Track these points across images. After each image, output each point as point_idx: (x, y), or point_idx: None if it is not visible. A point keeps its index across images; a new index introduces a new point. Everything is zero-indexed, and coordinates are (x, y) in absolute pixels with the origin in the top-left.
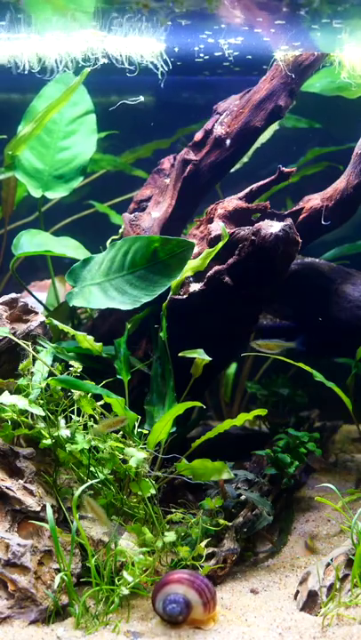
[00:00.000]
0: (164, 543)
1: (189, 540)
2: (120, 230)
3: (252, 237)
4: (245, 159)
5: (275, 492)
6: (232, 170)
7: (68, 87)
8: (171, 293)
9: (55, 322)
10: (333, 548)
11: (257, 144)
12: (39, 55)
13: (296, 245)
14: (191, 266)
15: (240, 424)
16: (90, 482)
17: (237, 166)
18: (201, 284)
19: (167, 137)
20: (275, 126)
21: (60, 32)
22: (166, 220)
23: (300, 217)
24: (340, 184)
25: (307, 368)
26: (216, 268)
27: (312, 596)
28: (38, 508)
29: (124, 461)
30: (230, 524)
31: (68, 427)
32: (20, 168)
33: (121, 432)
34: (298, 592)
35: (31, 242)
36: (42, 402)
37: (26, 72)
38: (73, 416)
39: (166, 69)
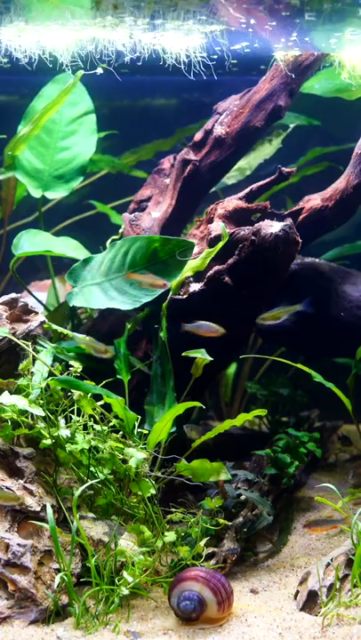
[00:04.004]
0: (164, 543)
1: (189, 540)
2: (120, 230)
3: (252, 237)
4: (248, 172)
5: (275, 492)
6: (233, 182)
7: (64, 88)
8: (171, 293)
9: (54, 326)
10: (333, 548)
11: (260, 160)
12: (45, 52)
13: (296, 245)
14: (191, 266)
15: (240, 424)
16: (90, 482)
17: (240, 178)
18: (201, 283)
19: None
20: (279, 144)
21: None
22: (166, 219)
23: (300, 217)
24: (340, 184)
25: (305, 369)
26: (216, 267)
27: (312, 596)
28: (38, 508)
29: (124, 461)
30: (230, 523)
31: (67, 427)
32: (20, 168)
33: (121, 432)
34: (298, 592)
35: (31, 242)
36: (42, 402)
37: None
38: (73, 416)
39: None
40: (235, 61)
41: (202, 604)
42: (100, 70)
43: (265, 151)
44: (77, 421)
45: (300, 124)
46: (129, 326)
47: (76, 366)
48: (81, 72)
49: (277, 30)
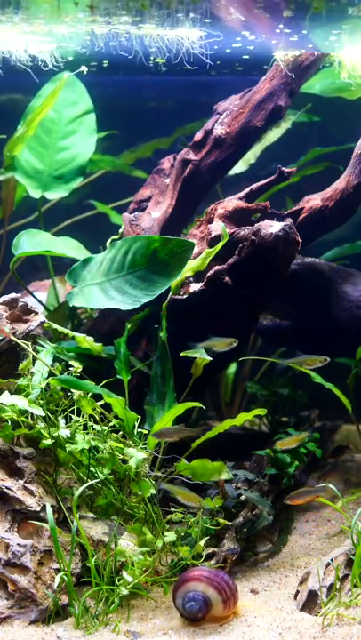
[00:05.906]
0: (164, 543)
1: (189, 540)
2: (120, 230)
3: (252, 237)
4: (253, 160)
5: (275, 492)
6: (237, 172)
7: (55, 87)
8: (171, 293)
9: (54, 325)
10: (333, 548)
11: (263, 144)
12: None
13: (296, 245)
14: (191, 266)
15: (240, 424)
16: (90, 482)
17: (243, 167)
18: (201, 283)
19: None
20: (283, 127)
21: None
22: (166, 219)
23: (300, 217)
24: (340, 184)
25: (304, 369)
26: (216, 267)
27: (312, 595)
28: (38, 508)
29: (124, 461)
30: (230, 523)
31: (67, 427)
32: (20, 168)
33: (121, 432)
34: (298, 592)
35: (31, 242)
36: (42, 402)
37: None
38: (73, 416)
39: None
40: (246, 57)
41: (207, 603)
42: (84, 69)
43: (269, 136)
44: (77, 421)
45: (299, 121)
46: (129, 326)
47: (76, 366)
48: (67, 73)
49: (277, 29)
